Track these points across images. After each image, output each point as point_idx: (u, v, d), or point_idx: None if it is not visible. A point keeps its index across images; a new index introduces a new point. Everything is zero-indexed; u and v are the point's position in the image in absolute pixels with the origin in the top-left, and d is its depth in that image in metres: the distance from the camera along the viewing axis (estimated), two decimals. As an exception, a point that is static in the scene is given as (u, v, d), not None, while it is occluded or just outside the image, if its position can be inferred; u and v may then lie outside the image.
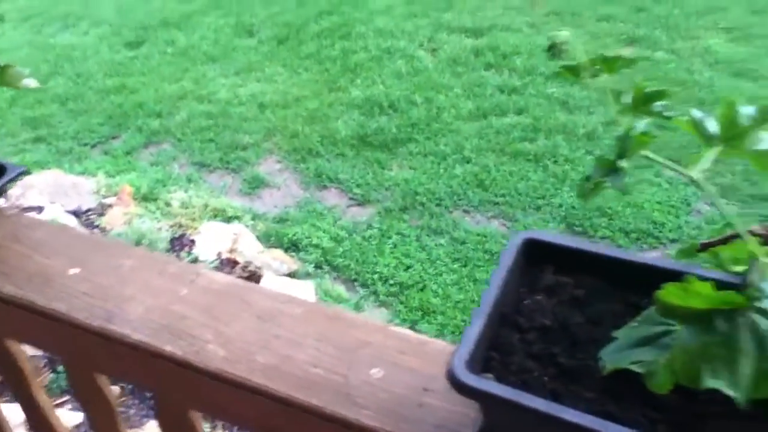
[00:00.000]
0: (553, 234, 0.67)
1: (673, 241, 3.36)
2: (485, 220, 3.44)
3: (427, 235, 3.34)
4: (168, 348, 0.74)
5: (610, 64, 0.63)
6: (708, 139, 0.64)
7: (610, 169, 0.57)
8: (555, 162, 3.68)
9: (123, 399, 2.41)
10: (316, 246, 3.36)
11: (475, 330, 0.57)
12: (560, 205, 3.46)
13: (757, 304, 0.47)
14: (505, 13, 5.19)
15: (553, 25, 4.91)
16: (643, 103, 0.61)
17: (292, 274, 3.28)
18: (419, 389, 0.68)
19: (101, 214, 3.35)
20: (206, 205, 3.52)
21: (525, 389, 0.54)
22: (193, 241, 3.13)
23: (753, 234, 0.61)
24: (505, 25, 4.98)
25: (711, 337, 0.47)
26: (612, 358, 0.55)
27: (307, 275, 3.22)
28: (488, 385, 0.53)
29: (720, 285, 0.51)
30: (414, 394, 0.68)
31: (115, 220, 3.32)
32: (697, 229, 3.27)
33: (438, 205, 3.55)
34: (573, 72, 0.63)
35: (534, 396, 0.52)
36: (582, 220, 3.34)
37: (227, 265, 3.10)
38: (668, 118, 0.64)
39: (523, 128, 3.97)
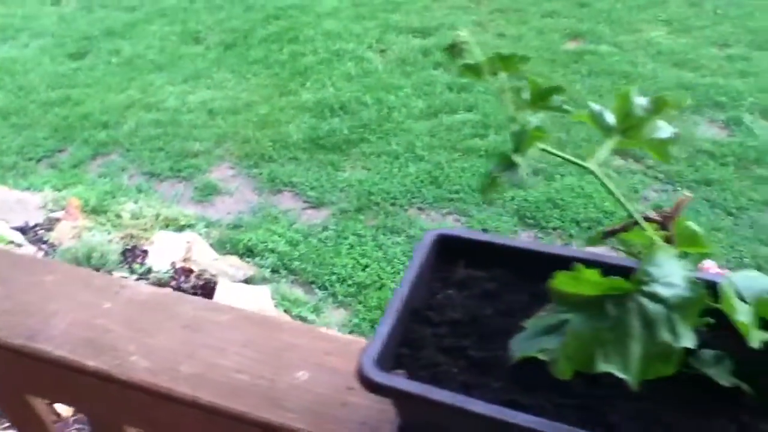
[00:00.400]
0: (465, 229, 0.69)
1: (622, 229, 3.43)
2: (440, 216, 3.47)
3: (384, 234, 3.35)
4: (91, 363, 0.73)
5: (507, 62, 0.65)
6: (606, 131, 0.66)
7: (507, 164, 0.58)
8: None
9: (76, 417, 2.36)
10: (272, 250, 3.35)
11: (385, 327, 0.58)
12: (512, 199, 3.50)
13: (645, 288, 0.49)
14: (451, 12, 5.24)
15: (498, 22, 4.98)
16: (540, 98, 0.63)
17: (248, 280, 3.26)
18: (343, 388, 0.69)
19: (49, 230, 3.28)
20: (158, 215, 3.48)
21: (435, 383, 0.55)
22: (145, 252, 3.09)
23: (648, 220, 0.63)
24: (451, 24, 5.03)
25: (601, 322, 0.49)
26: (520, 347, 0.57)
27: (264, 280, 3.21)
28: (396, 381, 0.54)
29: (618, 271, 0.53)
30: (338, 393, 0.69)
31: (63, 234, 3.25)
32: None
33: (393, 204, 3.57)
34: (473, 71, 0.65)
35: (441, 389, 0.53)
36: (534, 213, 3.39)
37: (181, 274, 3.07)
38: (566, 111, 0.66)
39: (473, 125, 4.01)
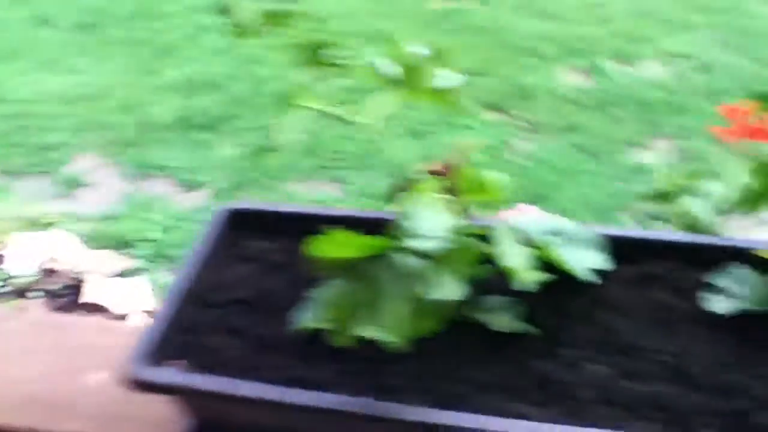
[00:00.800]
0: (260, 201, 0.65)
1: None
2: (319, 186, 3.44)
3: (263, 211, 3.28)
4: None
5: (278, 19, 0.61)
6: (390, 83, 0.64)
7: (276, 128, 0.55)
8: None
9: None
10: (148, 239, 3.21)
11: (160, 317, 0.54)
12: (390, 160, 3.52)
13: (402, 243, 0.47)
14: (317, -24, 5.13)
15: (364, -16, 4.92)
16: (312, 53, 0.60)
17: (123, 274, 3.11)
18: (140, 385, 0.64)
19: None
20: (18, 216, 3.24)
21: (217, 369, 0.52)
22: (2, 257, 2.87)
23: (433, 173, 0.62)
24: (320, -10, 4.94)
25: (357, 285, 0.47)
26: (301, 319, 0.54)
27: (140, 271, 3.07)
28: (162, 375, 0.50)
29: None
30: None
31: None
32: (513, 164, 3.44)
33: (271, 178, 3.50)
34: (241, 30, 0.61)
35: (213, 376, 0.50)
36: (407, 171, 3.41)
37: (48, 275, 2.88)
38: (342, 66, 0.63)
39: (348, 90, 3.95)
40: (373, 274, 0.47)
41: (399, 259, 0.47)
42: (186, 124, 3.84)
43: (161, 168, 3.59)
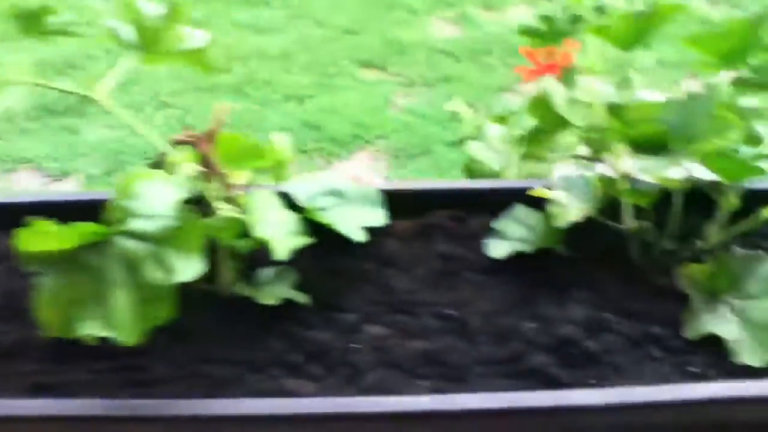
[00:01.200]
0: (22, 192, 0.59)
1: (379, 137, 3.52)
2: (198, 163, 3.31)
3: (139, 194, 3.13)
4: None
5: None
6: (130, 47, 0.59)
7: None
8: (255, 87, 3.62)
9: None
10: (16, 238, 3.00)
11: None
12: (273, 128, 3.42)
13: (122, 227, 0.43)
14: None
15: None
16: (33, 22, 0.53)
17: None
18: None
19: None
20: None
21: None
22: None
23: (180, 143, 0.57)
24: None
25: (75, 277, 0.42)
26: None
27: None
28: None
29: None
30: None
31: None
32: (398, 121, 3.43)
33: (145, 159, 3.33)
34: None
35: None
36: (292, 136, 3.34)
37: None
38: (73, 34, 0.58)
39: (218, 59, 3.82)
40: (94, 263, 0.42)
41: (125, 243, 0.42)
42: (46, 111, 3.59)
43: (25, 159, 3.36)
